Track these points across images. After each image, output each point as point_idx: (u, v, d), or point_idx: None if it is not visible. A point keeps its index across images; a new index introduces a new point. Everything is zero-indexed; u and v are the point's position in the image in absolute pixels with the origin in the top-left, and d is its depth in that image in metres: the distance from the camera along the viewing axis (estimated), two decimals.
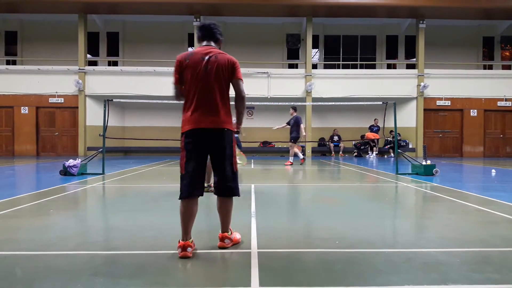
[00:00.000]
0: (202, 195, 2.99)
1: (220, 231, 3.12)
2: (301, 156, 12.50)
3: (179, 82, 3.05)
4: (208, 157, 3.05)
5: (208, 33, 3.16)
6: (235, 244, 3.16)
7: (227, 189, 3.03)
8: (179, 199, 2.94)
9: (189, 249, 2.83)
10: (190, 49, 19.32)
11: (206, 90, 2.97)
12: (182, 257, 2.81)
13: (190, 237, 2.92)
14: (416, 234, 3.83)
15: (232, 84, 3.07)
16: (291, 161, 12.28)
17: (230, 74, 3.04)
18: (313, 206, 5.42)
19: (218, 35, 3.19)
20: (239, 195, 3.09)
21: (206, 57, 3.00)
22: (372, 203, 5.54)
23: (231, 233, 3.15)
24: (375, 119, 18.04)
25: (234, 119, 3.16)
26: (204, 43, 3.16)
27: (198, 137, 2.95)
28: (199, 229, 3.75)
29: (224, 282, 2.38)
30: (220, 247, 3.06)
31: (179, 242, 2.89)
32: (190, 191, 2.92)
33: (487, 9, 17.46)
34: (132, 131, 19.11)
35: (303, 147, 18.53)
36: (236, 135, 3.26)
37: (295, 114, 12.24)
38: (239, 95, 3.06)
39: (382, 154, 18.66)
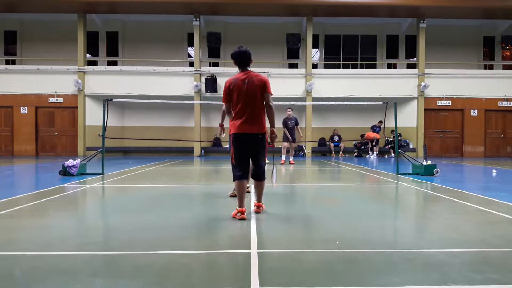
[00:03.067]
0: (247, 178, 4.29)
1: (256, 201, 4.43)
2: (284, 157, 12.66)
3: (228, 101, 4.23)
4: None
5: (242, 62, 4.23)
6: (263, 209, 4.41)
7: (261, 175, 4.32)
8: (234, 181, 4.29)
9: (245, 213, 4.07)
10: (189, 49, 19.43)
11: (248, 105, 4.11)
12: (241, 219, 3.99)
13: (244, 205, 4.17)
14: (416, 234, 3.82)
15: (264, 96, 4.17)
16: (285, 159, 12.46)
17: (263, 90, 4.16)
18: (313, 206, 5.41)
19: (249, 60, 4.24)
20: (265, 178, 4.36)
21: (246, 81, 4.13)
22: (372, 204, 5.54)
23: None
24: (380, 121, 17.91)
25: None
26: (241, 69, 4.25)
27: (242, 139, 4.15)
28: (199, 230, 3.74)
29: (224, 282, 2.37)
30: (256, 212, 4.34)
31: (236, 209, 4.09)
32: (240, 175, 4.19)
33: (488, 9, 17.45)
34: (131, 131, 19.10)
35: (301, 147, 18.53)
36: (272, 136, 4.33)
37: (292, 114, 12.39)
38: (267, 104, 4.20)
39: (382, 154, 18.65)
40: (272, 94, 4.21)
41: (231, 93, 4.16)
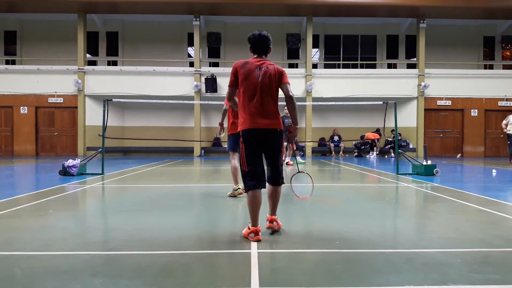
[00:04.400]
0: (264, 187, 3.40)
1: (269, 215, 3.55)
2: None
3: (234, 84, 3.45)
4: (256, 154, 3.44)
5: (260, 49, 3.51)
6: (279, 228, 3.55)
7: (279, 179, 3.48)
8: (246, 192, 3.40)
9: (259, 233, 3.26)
10: (189, 49, 19.42)
11: (260, 95, 3.37)
12: (256, 241, 3.19)
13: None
14: (416, 234, 3.82)
15: (281, 88, 3.48)
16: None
17: (278, 80, 3.46)
18: (313, 206, 5.41)
19: (269, 48, 3.55)
20: (284, 183, 3.54)
21: (261, 67, 3.42)
22: (372, 203, 5.54)
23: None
24: (378, 128, 18.26)
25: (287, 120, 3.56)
26: (256, 55, 3.53)
27: (255, 135, 3.36)
28: (199, 230, 3.74)
29: (224, 282, 2.37)
30: (268, 228, 3.51)
31: (248, 228, 3.29)
32: (254, 184, 3.33)
33: (488, 9, 17.45)
34: (131, 131, 19.10)
35: (303, 147, 18.52)
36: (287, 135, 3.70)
37: None
38: (287, 95, 3.44)
39: (382, 154, 18.66)
40: (290, 84, 3.51)
41: (238, 78, 3.43)
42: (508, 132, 12.37)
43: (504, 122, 12.55)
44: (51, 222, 4.03)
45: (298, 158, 12.26)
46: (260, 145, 3.40)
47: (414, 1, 17.17)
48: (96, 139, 17.06)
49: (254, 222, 3.28)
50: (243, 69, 3.42)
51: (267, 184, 3.47)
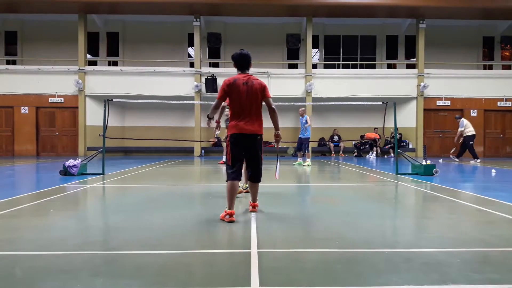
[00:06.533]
0: (240, 179, 4.26)
1: (251, 201, 4.48)
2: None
3: (222, 98, 4.24)
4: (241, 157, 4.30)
5: (243, 65, 4.29)
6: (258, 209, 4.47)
7: (259, 178, 4.36)
8: (226, 181, 4.18)
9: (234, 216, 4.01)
10: (190, 49, 19.44)
11: (246, 106, 4.15)
12: (230, 222, 3.90)
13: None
14: (416, 234, 3.83)
15: (264, 101, 4.27)
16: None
17: (261, 94, 4.23)
18: (313, 206, 5.42)
19: (250, 63, 4.33)
20: (260, 181, 4.39)
21: (247, 83, 4.17)
22: (372, 203, 5.54)
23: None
24: (375, 128, 18.31)
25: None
26: (240, 71, 4.30)
27: (240, 139, 4.17)
28: (199, 229, 3.75)
29: (224, 282, 2.38)
30: (251, 212, 4.41)
31: (225, 211, 4.01)
32: (233, 176, 4.14)
33: (487, 9, 17.47)
34: (132, 131, 19.11)
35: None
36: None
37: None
38: (271, 108, 4.29)
39: (382, 154, 18.67)
40: (271, 98, 4.29)
41: (228, 92, 4.16)
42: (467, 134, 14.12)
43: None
44: (52, 222, 4.04)
45: (300, 160, 12.22)
46: (244, 147, 4.19)
47: (414, 2, 17.19)
48: (96, 139, 17.05)
49: (230, 206, 4.03)
50: (233, 85, 4.14)
51: (248, 182, 4.43)
